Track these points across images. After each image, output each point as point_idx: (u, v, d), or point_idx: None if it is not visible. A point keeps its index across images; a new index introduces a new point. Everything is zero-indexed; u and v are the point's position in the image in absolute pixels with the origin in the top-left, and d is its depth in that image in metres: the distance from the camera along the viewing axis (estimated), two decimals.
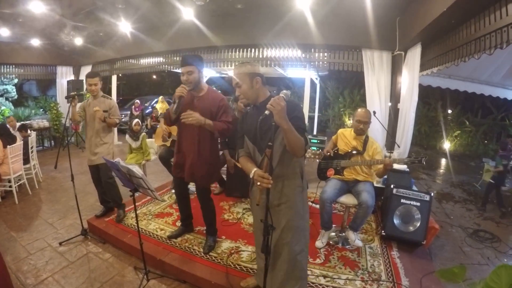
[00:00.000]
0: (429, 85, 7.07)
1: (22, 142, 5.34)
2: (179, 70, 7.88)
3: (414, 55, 4.93)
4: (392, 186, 3.87)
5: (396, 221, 3.75)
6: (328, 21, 5.62)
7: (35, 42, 8.88)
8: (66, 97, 3.83)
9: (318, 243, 3.64)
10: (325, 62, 6.33)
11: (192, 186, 3.90)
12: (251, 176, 2.13)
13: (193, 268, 3.13)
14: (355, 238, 3.64)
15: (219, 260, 3.27)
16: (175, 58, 7.99)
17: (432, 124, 12.79)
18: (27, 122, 8.33)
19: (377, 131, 5.40)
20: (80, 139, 9.73)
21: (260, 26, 6.26)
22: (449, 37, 4.06)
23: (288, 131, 1.94)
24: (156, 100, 18.36)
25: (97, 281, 3.07)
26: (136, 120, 5.44)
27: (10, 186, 4.99)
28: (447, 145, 11.86)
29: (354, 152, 3.69)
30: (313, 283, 2.95)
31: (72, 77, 10.38)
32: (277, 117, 1.89)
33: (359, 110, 3.71)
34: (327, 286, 2.94)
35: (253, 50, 6.79)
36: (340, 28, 5.71)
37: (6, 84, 14.36)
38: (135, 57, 8.94)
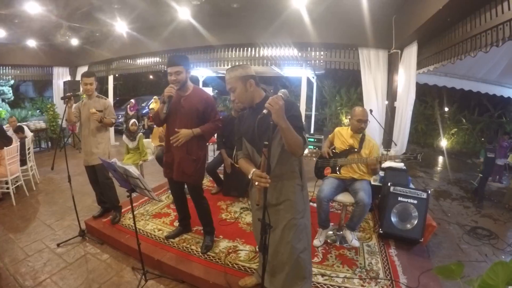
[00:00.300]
0: (426, 83, 7.08)
1: (18, 143, 5.32)
2: None
3: (411, 54, 4.94)
4: (389, 184, 3.87)
5: (393, 219, 3.76)
6: (324, 19, 5.62)
7: (31, 43, 8.86)
8: (62, 98, 3.82)
9: (316, 242, 3.64)
10: (321, 61, 6.34)
11: None
12: (249, 177, 2.13)
13: (191, 268, 3.13)
14: (352, 238, 3.64)
15: (217, 260, 3.27)
16: None
17: (429, 122, 12.83)
18: (24, 123, 8.28)
19: (374, 130, 5.41)
20: (77, 140, 9.70)
21: (256, 25, 6.26)
22: (445, 35, 4.08)
23: (287, 130, 1.95)
24: (152, 100, 18.36)
25: (95, 282, 3.06)
26: (133, 120, 5.42)
27: (8, 188, 4.97)
28: (444, 143, 11.89)
29: (351, 150, 3.70)
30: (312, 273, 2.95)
31: (68, 78, 10.36)
32: (275, 116, 1.89)
33: (357, 109, 3.72)
34: (325, 284, 2.94)
35: (249, 49, 6.79)
36: (337, 27, 5.71)
37: (2, 86, 14.29)
38: (131, 57, 8.93)
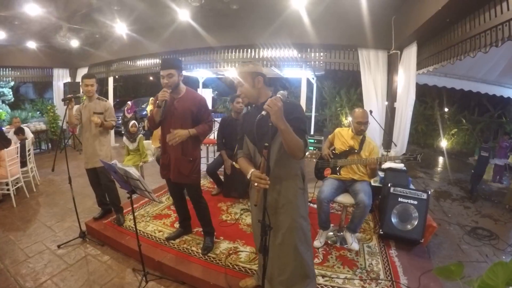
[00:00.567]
0: (426, 83, 7.08)
1: (18, 145, 5.32)
2: None
3: (410, 54, 4.95)
4: (389, 185, 3.88)
5: (394, 219, 3.76)
6: (323, 20, 5.63)
7: (31, 44, 8.87)
8: (63, 100, 3.83)
9: (316, 243, 3.64)
10: (321, 62, 6.34)
11: None
12: (248, 177, 2.13)
13: (192, 269, 3.13)
14: (352, 241, 3.62)
15: (218, 261, 3.27)
16: None
17: (429, 123, 12.84)
18: (24, 125, 8.29)
19: (374, 130, 5.41)
20: (78, 142, 9.71)
21: (256, 26, 6.27)
22: (444, 35, 4.08)
23: (285, 132, 1.94)
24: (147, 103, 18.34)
25: (96, 284, 3.06)
26: (133, 122, 5.43)
27: (8, 189, 4.97)
28: (444, 143, 11.89)
29: (351, 151, 3.70)
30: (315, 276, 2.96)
31: (68, 80, 10.35)
32: (274, 117, 1.89)
33: (357, 111, 3.71)
34: (325, 285, 2.94)
35: (249, 50, 6.80)
36: (336, 28, 5.72)
37: (2, 87, 14.27)
38: (131, 58, 8.94)
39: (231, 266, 3.19)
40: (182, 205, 3.71)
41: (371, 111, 4.33)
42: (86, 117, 3.97)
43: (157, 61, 8.33)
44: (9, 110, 13.26)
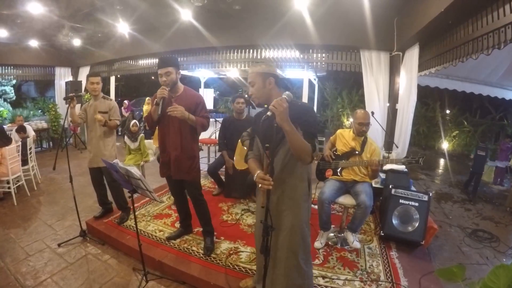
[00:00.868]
0: (427, 85, 7.08)
1: (20, 143, 5.32)
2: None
3: (412, 56, 4.94)
4: (390, 187, 3.87)
5: (394, 221, 3.75)
6: (326, 21, 5.63)
7: (33, 43, 8.88)
8: (65, 98, 3.83)
9: (317, 244, 3.64)
10: (323, 63, 6.35)
11: None
12: (254, 178, 2.13)
13: (192, 269, 3.13)
14: (354, 240, 3.63)
15: (218, 261, 3.27)
16: None
17: (431, 124, 12.83)
18: (26, 123, 8.30)
19: (376, 132, 5.41)
20: (79, 140, 9.72)
21: (258, 27, 6.27)
22: (446, 37, 4.07)
23: (291, 134, 1.93)
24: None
25: (96, 283, 3.06)
26: (134, 121, 5.44)
27: (9, 188, 4.98)
28: (445, 145, 11.88)
29: (352, 152, 3.70)
30: (313, 280, 2.95)
31: (70, 78, 10.36)
32: (279, 118, 1.89)
33: (359, 112, 3.71)
34: (326, 286, 2.94)
35: (251, 51, 6.80)
36: (338, 29, 5.72)
37: (4, 85, 14.34)
38: (133, 58, 8.94)
39: (231, 266, 3.19)
40: (183, 203, 3.71)
41: (372, 113, 4.33)
42: (92, 117, 3.96)
43: None
44: (11, 109, 13.32)
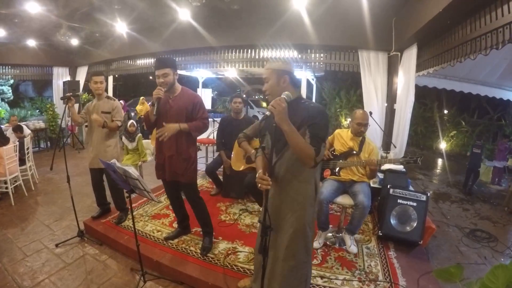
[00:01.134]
0: (425, 85, 7.10)
1: (17, 143, 5.30)
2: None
3: (410, 56, 4.95)
4: (388, 186, 3.88)
5: (393, 221, 3.76)
6: (324, 21, 5.62)
7: (31, 42, 8.86)
8: (62, 98, 3.80)
9: (315, 244, 3.63)
10: (321, 63, 6.34)
11: None
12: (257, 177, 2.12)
13: (190, 269, 3.12)
14: (351, 244, 3.60)
15: (216, 261, 3.27)
16: None
17: (428, 125, 12.84)
18: (23, 123, 8.28)
19: (374, 132, 5.41)
20: (77, 140, 9.70)
21: (256, 26, 6.26)
22: (445, 37, 4.08)
23: (289, 134, 1.92)
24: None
25: (93, 283, 3.05)
26: (131, 121, 5.43)
27: (6, 188, 4.96)
28: (443, 145, 11.90)
29: (350, 152, 3.70)
30: (310, 284, 2.95)
31: (68, 78, 10.33)
32: (277, 118, 1.89)
33: (358, 112, 3.70)
34: (324, 286, 2.94)
35: (249, 50, 6.78)
36: (336, 29, 5.71)
37: (2, 85, 14.30)
38: (131, 57, 8.92)
39: (229, 266, 3.18)
40: (179, 205, 3.70)
41: (370, 113, 4.33)
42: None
43: None
44: (9, 108, 13.28)
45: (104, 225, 4.03)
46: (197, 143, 4.18)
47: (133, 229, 3.00)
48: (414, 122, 12.11)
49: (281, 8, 5.46)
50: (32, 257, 3.47)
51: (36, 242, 3.81)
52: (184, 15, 5.89)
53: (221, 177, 5.31)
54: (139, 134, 5.50)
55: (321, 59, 6.30)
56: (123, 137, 5.40)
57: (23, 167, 5.58)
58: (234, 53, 6.98)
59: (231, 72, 10.11)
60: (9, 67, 9.80)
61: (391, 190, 3.84)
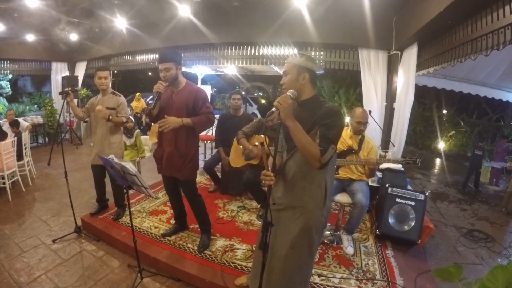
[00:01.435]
0: (425, 85, 7.10)
1: (15, 138, 5.28)
2: None
3: (410, 55, 4.94)
4: (387, 185, 3.88)
5: (390, 220, 3.76)
6: (325, 19, 5.60)
7: (30, 37, 8.82)
8: (60, 93, 3.76)
9: None
10: (321, 61, 6.32)
11: None
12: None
13: (187, 266, 3.11)
14: (348, 245, 3.58)
15: (214, 258, 3.26)
16: None
17: (427, 124, 12.85)
18: (21, 118, 8.26)
19: (373, 130, 5.41)
20: (75, 136, 9.68)
21: (256, 24, 6.24)
22: (445, 37, 4.07)
23: (294, 131, 1.92)
24: (151, 97, 18.30)
25: (90, 279, 3.05)
26: (130, 117, 5.41)
27: (4, 183, 4.94)
28: (441, 145, 11.91)
29: (350, 151, 3.69)
30: (309, 283, 2.94)
31: (67, 73, 10.30)
32: (283, 114, 1.90)
33: (358, 110, 3.69)
34: (321, 285, 2.94)
35: (249, 48, 6.77)
36: (337, 27, 5.70)
37: (0, 80, 14.25)
38: (130, 53, 8.89)
39: (227, 264, 3.18)
40: (177, 200, 3.66)
41: (370, 111, 4.32)
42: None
43: (157, 56, 8.27)
44: (7, 103, 13.24)
45: (101, 221, 4.02)
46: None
47: (130, 225, 2.99)
48: (413, 121, 12.11)
49: (282, 5, 5.45)
50: (29, 253, 3.46)
51: (33, 238, 3.79)
52: (184, 11, 5.87)
53: (219, 174, 5.30)
54: (137, 130, 5.48)
55: (321, 57, 6.28)
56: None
57: (21, 162, 5.56)
58: (233, 50, 6.97)
59: (231, 69, 10.12)
60: (8, 62, 9.76)
61: (389, 189, 3.84)
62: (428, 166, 9.70)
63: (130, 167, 2.64)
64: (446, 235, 4.58)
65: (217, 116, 5.60)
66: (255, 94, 20.55)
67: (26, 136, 5.82)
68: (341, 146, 3.76)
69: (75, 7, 6.10)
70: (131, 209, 2.97)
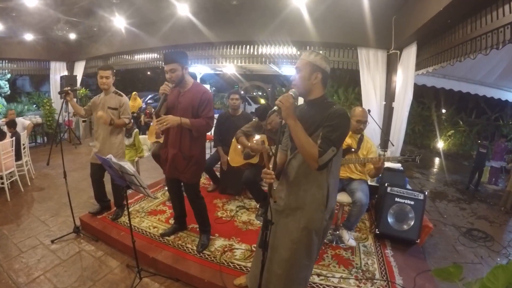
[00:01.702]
0: (424, 84, 7.09)
1: (13, 138, 5.27)
2: None
3: (409, 54, 4.93)
4: (386, 185, 3.87)
5: (390, 219, 3.76)
6: (324, 19, 5.59)
7: (29, 37, 8.79)
8: (59, 93, 3.74)
9: None
10: None
11: None
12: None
13: (186, 266, 3.11)
14: (349, 238, 3.63)
15: (213, 258, 3.26)
16: None
17: (426, 124, 12.88)
18: (20, 118, 8.23)
19: (372, 130, 5.40)
20: (73, 136, 9.66)
21: (255, 23, 6.23)
22: (445, 36, 4.06)
23: (294, 130, 1.92)
24: (150, 96, 18.26)
25: (89, 280, 3.04)
26: None
27: (2, 183, 4.93)
28: (440, 144, 11.93)
29: (349, 150, 3.69)
30: (308, 284, 2.94)
31: (65, 73, 10.28)
32: (284, 113, 1.90)
33: (357, 109, 3.69)
34: (321, 284, 2.94)
35: (248, 47, 6.76)
36: (336, 26, 5.69)
37: None
38: (129, 52, 8.86)
39: (226, 264, 3.17)
40: (179, 202, 3.65)
41: (369, 110, 4.31)
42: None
43: (156, 55, 8.28)
44: (5, 103, 13.20)
45: (100, 221, 4.00)
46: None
47: (129, 225, 2.97)
48: (412, 120, 12.14)
49: (281, 4, 5.44)
50: (27, 253, 3.45)
51: (32, 238, 3.78)
52: (183, 10, 5.85)
53: (218, 173, 5.29)
54: (136, 130, 5.46)
55: None
56: None
57: (19, 162, 5.54)
58: (232, 49, 6.95)
59: (230, 68, 10.09)
60: (6, 61, 9.73)
61: (388, 189, 3.84)
62: (427, 165, 9.72)
63: (129, 166, 2.64)
64: (445, 235, 4.58)
65: (216, 116, 5.59)
66: (254, 94, 20.59)
67: (24, 136, 5.80)
68: None
69: (74, 6, 6.08)
70: (130, 209, 2.96)
